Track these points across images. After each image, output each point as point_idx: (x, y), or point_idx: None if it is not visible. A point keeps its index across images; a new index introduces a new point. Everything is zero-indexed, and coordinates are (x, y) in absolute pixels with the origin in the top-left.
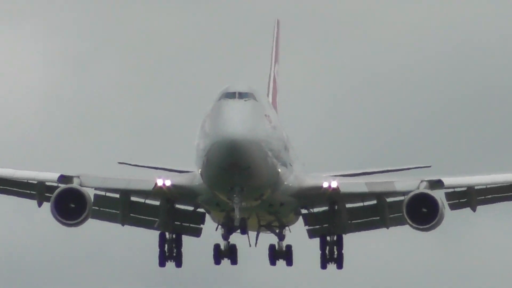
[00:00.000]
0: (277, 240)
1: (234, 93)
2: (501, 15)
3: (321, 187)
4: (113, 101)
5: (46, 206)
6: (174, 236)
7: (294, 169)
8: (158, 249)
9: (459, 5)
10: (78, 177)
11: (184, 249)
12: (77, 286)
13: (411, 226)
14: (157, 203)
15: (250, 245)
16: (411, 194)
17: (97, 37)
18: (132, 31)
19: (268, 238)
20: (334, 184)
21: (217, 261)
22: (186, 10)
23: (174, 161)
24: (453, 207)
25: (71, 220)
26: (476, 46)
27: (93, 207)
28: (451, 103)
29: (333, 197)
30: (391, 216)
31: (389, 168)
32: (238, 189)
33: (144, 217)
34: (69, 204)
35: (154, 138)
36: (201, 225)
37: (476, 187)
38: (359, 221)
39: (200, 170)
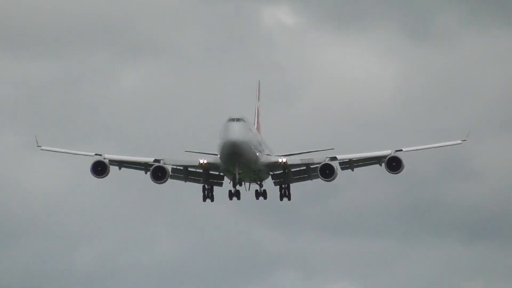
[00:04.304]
0: (259, 187)
1: (234, 118)
2: None
3: (278, 161)
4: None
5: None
6: (209, 187)
7: (265, 153)
8: (202, 193)
9: None
10: (163, 159)
11: (214, 193)
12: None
13: (322, 179)
14: (201, 171)
15: (246, 190)
16: (321, 163)
17: None
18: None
19: (254, 186)
20: (284, 159)
21: (230, 198)
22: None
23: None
24: (342, 168)
25: (159, 181)
26: None
27: (171, 174)
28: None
29: (284, 166)
30: (312, 174)
31: (311, 150)
32: (237, 164)
33: (195, 178)
34: (158, 173)
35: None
36: (222, 181)
37: (353, 159)
38: (297, 177)
39: (219, 155)
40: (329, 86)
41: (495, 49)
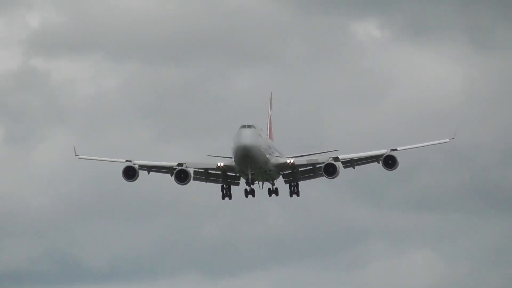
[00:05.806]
0: (271, 186)
1: (245, 125)
2: None
3: (286, 162)
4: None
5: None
6: (227, 186)
7: (275, 155)
8: (221, 192)
9: None
10: (185, 163)
11: (232, 191)
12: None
13: (326, 177)
14: (219, 173)
15: (260, 188)
16: (325, 163)
17: None
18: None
19: (267, 185)
20: (292, 160)
21: (246, 196)
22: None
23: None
24: (345, 167)
25: (182, 182)
26: None
27: (193, 176)
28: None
29: (292, 166)
30: (318, 173)
31: (316, 152)
32: (249, 166)
33: (214, 178)
34: (181, 175)
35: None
36: (239, 181)
37: (354, 158)
38: (304, 175)
39: (233, 158)
40: (407, 87)
41: None
